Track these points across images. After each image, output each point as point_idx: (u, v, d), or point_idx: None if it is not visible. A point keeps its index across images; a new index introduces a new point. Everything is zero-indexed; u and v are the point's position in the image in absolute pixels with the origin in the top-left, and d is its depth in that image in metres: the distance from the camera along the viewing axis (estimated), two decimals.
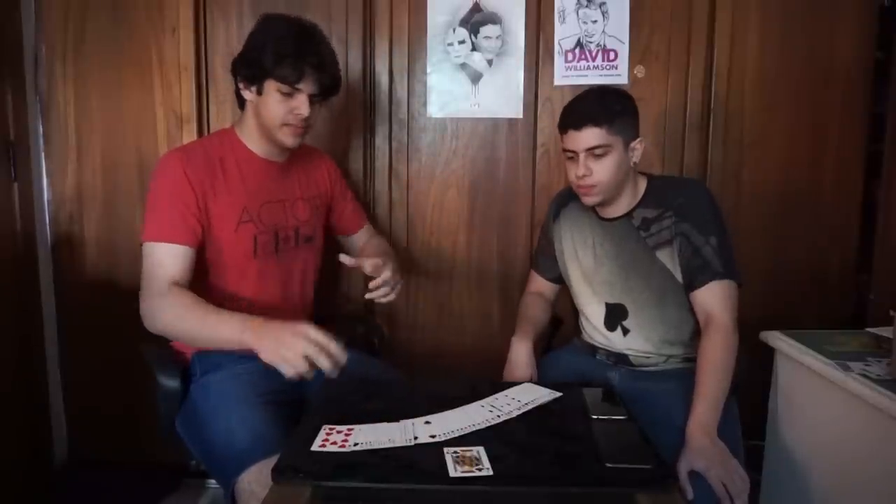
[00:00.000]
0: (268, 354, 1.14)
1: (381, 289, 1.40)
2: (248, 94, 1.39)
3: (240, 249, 1.41)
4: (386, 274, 1.39)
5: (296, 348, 1.11)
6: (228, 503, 1.19)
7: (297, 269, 1.53)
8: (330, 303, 2.00)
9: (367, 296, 1.42)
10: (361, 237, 1.73)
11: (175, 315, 1.26)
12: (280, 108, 1.36)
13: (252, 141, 1.45)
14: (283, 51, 1.31)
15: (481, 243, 2.02)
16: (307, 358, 1.11)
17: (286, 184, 1.51)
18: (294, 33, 1.35)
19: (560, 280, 1.61)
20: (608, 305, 1.48)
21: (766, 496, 1.60)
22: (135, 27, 1.90)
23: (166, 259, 1.31)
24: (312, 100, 1.37)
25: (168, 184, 1.34)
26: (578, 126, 1.34)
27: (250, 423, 1.25)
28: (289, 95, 1.35)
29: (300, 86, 1.34)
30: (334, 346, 1.13)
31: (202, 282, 1.40)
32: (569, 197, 1.54)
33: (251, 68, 1.35)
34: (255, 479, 1.14)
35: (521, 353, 1.46)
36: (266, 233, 1.44)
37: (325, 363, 1.11)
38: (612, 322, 1.48)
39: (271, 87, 1.34)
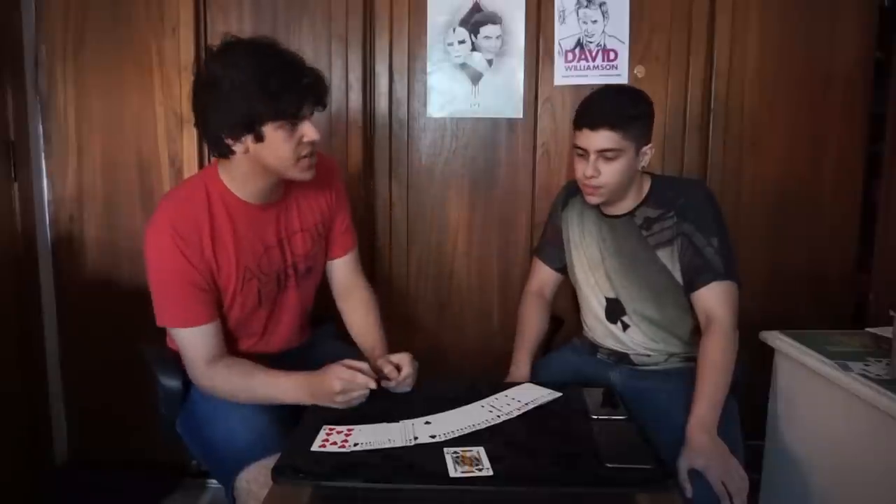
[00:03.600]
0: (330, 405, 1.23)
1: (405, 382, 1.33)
2: (241, 146, 1.21)
3: (245, 304, 1.34)
4: (407, 370, 1.32)
5: (340, 401, 1.22)
6: (230, 502, 1.20)
7: (300, 301, 1.46)
8: (329, 302, 2.00)
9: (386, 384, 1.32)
10: (342, 266, 1.53)
11: (234, 393, 1.28)
12: (289, 146, 1.21)
13: (243, 189, 1.29)
14: (276, 87, 1.16)
15: (481, 243, 2.02)
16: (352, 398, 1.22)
17: (284, 222, 1.37)
18: (270, 61, 1.18)
19: (564, 270, 1.60)
20: (608, 300, 1.48)
21: (766, 496, 1.60)
22: (135, 27, 1.90)
23: (196, 341, 1.26)
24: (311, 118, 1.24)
25: (168, 265, 1.23)
26: (594, 126, 1.33)
27: (250, 422, 1.25)
28: (292, 127, 1.21)
29: (303, 112, 1.21)
30: (361, 378, 1.22)
31: None
32: (577, 188, 1.54)
33: (242, 119, 1.17)
34: (254, 479, 1.14)
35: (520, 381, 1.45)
36: (269, 283, 1.36)
37: (362, 395, 1.23)
38: (612, 316, 1.49)
39: (273, 127, 1.19)
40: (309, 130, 1.22)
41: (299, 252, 1.40)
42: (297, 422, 1.20)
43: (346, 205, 1.52)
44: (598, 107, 1.35)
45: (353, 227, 1.56)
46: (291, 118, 1.20)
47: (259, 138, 1.20)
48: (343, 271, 1.54)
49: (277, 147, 1.21)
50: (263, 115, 1.17)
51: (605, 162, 1.35)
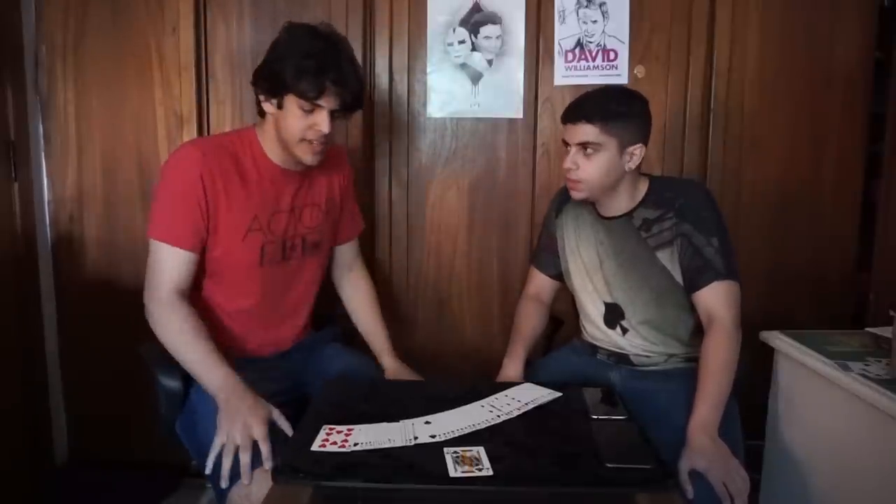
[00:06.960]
0: (222, 423, 1.18)
1: None
2: (269, 107, 1.34)
3: (246, 258, 1.38)
4: None
5: (241, 438, 1.15)
6: None
7: (301, 278, 1.50)
8: (328, 302, 2.00)
9: None
10: (348, 249, 1.65)
11: (174, 337, 1.29)
12: (300, 124, 1.30)
13: (271, 149, 1.39)
14: (303, 66, 1.26)
15: (481, 243, 2.02)
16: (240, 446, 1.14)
17: (300, 192, 1.45)
18: (317, 47, 1.28)
19: (560, 277, 1.60)
20: (607, 304, 1.48)
21: (765, 496, 1.60)
22: (135, 27, 1.90)
23: (172, 263, 1.31)
24: (334, 115, 1.31)
25: (183, 182, 1.31)
26: (573, 119, 1.37)
27: None
28: (309, 111, 1.29)
29: (321, 102, 1.28)
30: (265, 448, 1.14)
31: (204, 285, 1.40)
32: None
33: (271, 82, 1.30)
34: (246, 496, 1.12)
35: (510, 377, 1.46)
36: (274, 242, 1.41)
37: (244, 459, 1.13)
38: (611, 321, 1.48)
39: (291, 101, 1.29)
40: (322, 122, 1.30)
41: (309, 224, 1.47)
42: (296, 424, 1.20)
43: (353, 191, 1.64)
44: (582, 101, 1.39)
45: (360, 214, 1.68)
46: (309, 101, 1.28)
47: (280, 105, 1.31)
48: (349, 253, 1.66)
49: (290, 121, 1.31)
50: (285, 86, 1.28)
51: (584, 157, 1.37)
